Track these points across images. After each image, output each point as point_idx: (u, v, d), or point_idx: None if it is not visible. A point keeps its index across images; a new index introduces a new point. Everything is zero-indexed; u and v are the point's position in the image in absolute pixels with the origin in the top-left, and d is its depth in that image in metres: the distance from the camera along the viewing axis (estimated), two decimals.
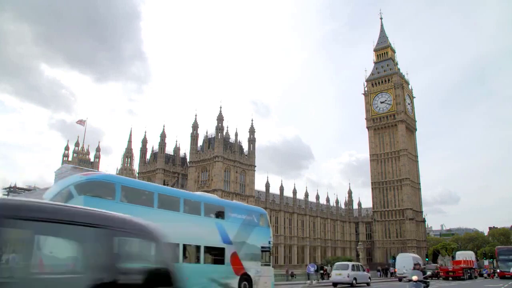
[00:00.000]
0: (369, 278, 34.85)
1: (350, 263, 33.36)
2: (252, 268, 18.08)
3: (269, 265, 20.00)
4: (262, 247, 19.29)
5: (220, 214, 17.66)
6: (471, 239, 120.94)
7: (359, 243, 65.98)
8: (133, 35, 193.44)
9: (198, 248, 15.78)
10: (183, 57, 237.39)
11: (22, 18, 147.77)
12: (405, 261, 40.65)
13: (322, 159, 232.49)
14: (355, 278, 30.99)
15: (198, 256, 15.72)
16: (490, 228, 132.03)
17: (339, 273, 31.06)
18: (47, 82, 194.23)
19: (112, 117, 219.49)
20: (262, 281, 18.59)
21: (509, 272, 44.71)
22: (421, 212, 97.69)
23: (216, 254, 16.63)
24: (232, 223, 17.78)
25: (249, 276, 17.66)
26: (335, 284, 31.30)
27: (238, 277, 17.04)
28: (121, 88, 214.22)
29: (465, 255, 54.95)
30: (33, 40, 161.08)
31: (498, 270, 48.28)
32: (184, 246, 14.94)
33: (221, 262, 16.52)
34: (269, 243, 19.97)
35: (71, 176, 13.04)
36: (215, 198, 20.60)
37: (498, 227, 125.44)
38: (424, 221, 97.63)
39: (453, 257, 63.37)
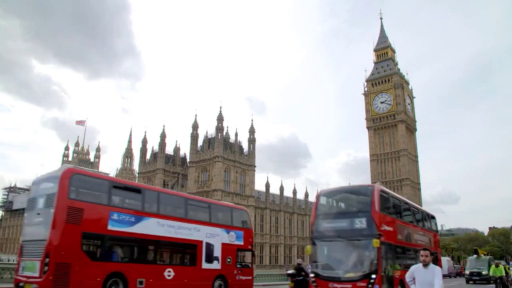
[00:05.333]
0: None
1: None
2: None
3: None
4: None
5: None
6: (471, 239, 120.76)
7: None
8: (123, 29, 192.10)
9: None
10: (178, 53, 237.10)
11: (11, 13, 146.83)
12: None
13: (320, 159, 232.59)
14: None
15: None
16: (490, 228, 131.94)
17: None
18: (38, 79, 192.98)
19: (106, 115, 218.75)
20: None
21: (340, 278, 13.05)
22: None
23: None
24: None
25: None
26: None
27: None
28: (114, 86, 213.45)
29: None
30: (22, 35, 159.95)
31: (308, 271, 15.11)
32: None
33: None
34: None
35: None
36: None
37: (498, 227, 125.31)
38: None
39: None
